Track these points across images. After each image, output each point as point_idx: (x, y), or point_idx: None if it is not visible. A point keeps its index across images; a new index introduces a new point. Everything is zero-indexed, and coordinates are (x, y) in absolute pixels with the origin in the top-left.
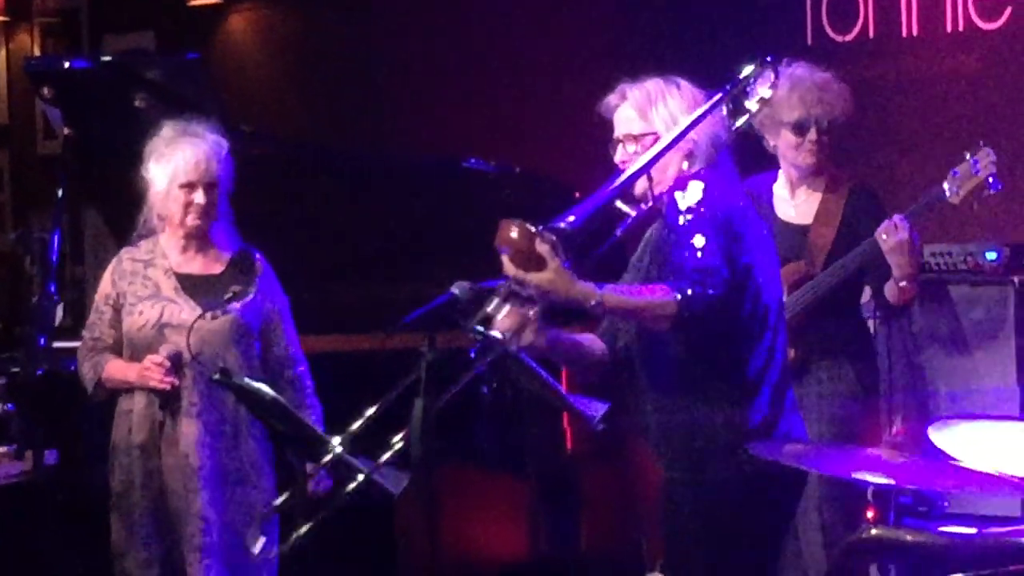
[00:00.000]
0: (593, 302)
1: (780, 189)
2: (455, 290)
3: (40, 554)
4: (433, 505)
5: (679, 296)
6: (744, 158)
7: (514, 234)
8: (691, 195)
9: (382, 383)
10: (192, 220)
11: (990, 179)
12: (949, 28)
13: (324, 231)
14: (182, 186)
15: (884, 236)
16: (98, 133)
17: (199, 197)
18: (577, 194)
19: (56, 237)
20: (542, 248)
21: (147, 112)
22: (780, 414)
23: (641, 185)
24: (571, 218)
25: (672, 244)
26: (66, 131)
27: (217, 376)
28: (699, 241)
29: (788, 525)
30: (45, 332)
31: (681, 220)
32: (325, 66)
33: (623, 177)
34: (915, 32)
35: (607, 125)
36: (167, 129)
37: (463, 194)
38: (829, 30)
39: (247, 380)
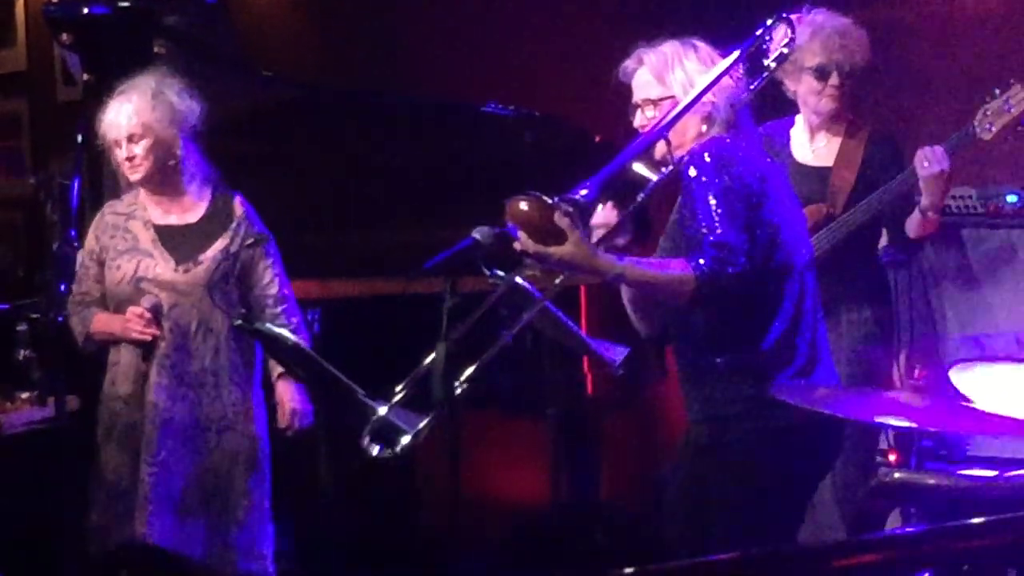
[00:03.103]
0: (614, 274)
1: (798, 133)
2: (476, 235)
3: (62, 499)
4: (455, 449)
5: (698, 274)
6: (763, 103)
7: (524, 206)
8: (706, 163)
9: (404, 328)
10: (130, 175)
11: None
12: None
13: (343, 176)
14: (111, 145)
15: (925, 163)
16: (118, 79)
17: (121, 153)
18: (597, 138)
19: (76, 184)
20: (561, 220)
21: (167, 57)
22: (814, 369)
23: (660, 149)
24: (585, 190)
25: (689, 216)
26: (85, 77)
27: (238, 321)
28: (717, 214)
29: (815, 483)
30: (65, 278)
31: (696, 190)
32: (344, 10)
33: (637, 142)
34: None
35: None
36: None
37: (483, 138)
38: None
39: (268, 326)
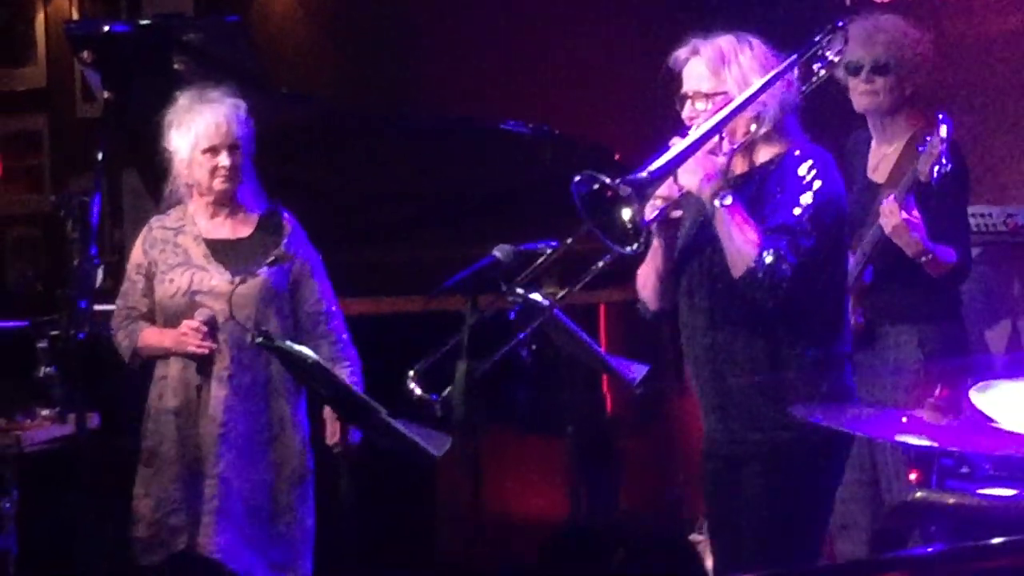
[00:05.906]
0: (721, 202)
1: (874, 144)
2: (497, 253)
3: (83, 516)
4: (475, 467)
5: (764, 259)
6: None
7: None
8: (816, 166)
9: (425, 346)
10: (220, 184)
11: (943, 157)
12: None
13: (362, 193)
14: (205, 151)
15: (882, 219)
16: (138, 96)
17: (223, 160)
18: (616, 156)
19: (96, 200)
20: None
21: (187, 75)
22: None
23: (712, 142)
24: (646, 173)
25: (772, 210)
26: (106, 95)
27: (259, 339)
28: (808, 215)
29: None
30: (86, 295)
31: (797, 188)
32: (363, 28)
33: (695, 135)
34: None
35: (643, 90)
36: (183, 98)
37: (501, 156)
38: None
39: (289, 343)
